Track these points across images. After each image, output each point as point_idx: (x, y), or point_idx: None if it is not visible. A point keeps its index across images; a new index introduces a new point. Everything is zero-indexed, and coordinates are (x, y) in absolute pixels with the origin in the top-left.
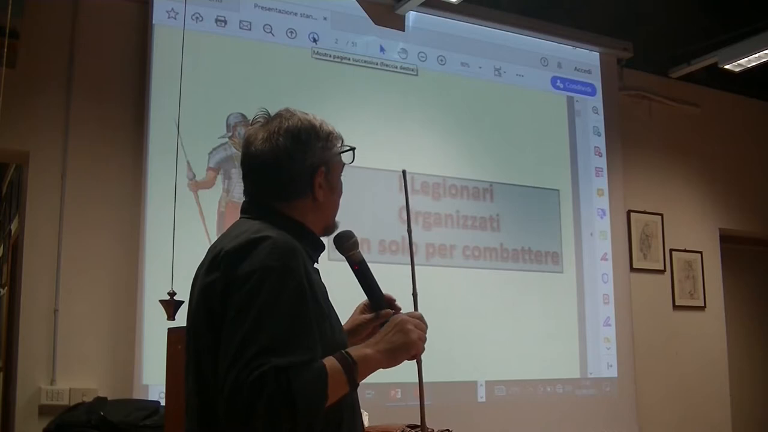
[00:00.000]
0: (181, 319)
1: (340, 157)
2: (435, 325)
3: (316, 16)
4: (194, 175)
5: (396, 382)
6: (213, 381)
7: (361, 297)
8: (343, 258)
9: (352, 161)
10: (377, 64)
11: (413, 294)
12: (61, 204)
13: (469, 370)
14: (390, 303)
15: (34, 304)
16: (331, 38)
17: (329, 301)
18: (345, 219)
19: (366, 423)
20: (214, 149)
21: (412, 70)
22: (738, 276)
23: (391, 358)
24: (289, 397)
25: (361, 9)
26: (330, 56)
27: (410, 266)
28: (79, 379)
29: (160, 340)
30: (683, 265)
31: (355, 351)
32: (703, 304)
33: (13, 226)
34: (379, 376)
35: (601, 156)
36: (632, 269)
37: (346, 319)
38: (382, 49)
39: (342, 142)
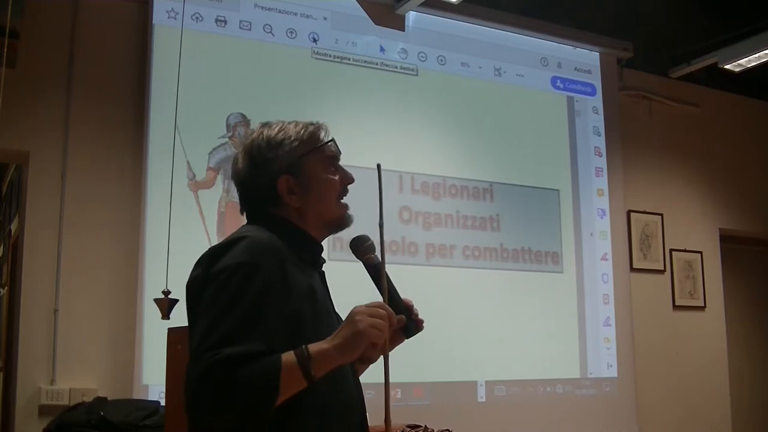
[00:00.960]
0: (182, 319)
1: (318, 153)
2: (435, 325)
3: (316, 16)
4: (194, 175)
5: (396, 383)
6: None
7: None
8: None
9: (340, 152)
10: (377, 64)
11: (381, 287)
12: (61, 204)
13: (469, 370)
14: (408, 308)
15: (34, 304)
16: (331, 38)
17: (319, 300)
18: None
19: None
20: (214, 149)
21: (412, 70)
22: (738, 276)
23: (344, 351)
24: (232, 386)
25: (361, 9)
26: (330, 56)
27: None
28: (79, 379)
29: (160, 340)
30: (683, 265)
31: (313, 346)
32: (703, 304)
33: (13, 226)
34: (379, 376)
35: (601, 156)
36: (632, 269)
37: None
38: (382, 49)
39: (322, 134)
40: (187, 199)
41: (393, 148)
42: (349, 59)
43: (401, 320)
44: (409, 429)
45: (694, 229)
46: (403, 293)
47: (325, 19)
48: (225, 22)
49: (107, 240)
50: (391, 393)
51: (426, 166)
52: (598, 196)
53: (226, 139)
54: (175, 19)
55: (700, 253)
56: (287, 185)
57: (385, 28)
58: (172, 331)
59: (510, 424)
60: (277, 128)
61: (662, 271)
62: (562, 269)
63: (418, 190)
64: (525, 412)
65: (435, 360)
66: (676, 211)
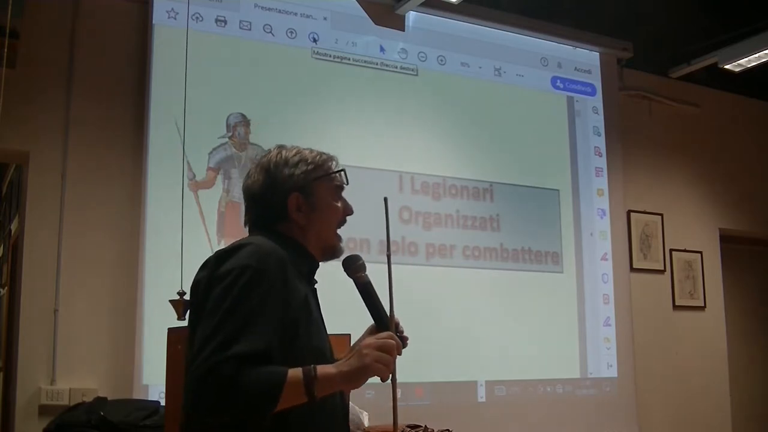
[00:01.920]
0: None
1: (328, 180)
2: (435, 325)
3: (316, 16)
4: (194, 175)
5: (397, 382)
6: None
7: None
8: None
9: (347, 183)
10: (377, 64)
11: (389, 299)
12: (61, 204)
13: (469, 370)
14: (395, 326)
15: (34, 304)
16: (331, 38)
17: (312, 310)
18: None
19: (366, 423)
20: (214, 149)
21: (412, 70)
22: (738, 276)
23: (349, 380)
24: (235, 388)
25: (361, 9)
26: (330, 56)
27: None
28: (79, 379)
29: (160, 340)
30: (683, 265)
31: (323, 368)
32: (703, 304)
33: (13, 226)
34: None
35: (601, 156)
36: (632, 269)
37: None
38: (382, 49)
39: (332, 165)
40: (187, 199)
41: (393, 148)
42: (349, 59)
43: (390, 337)
44: (409, 429)
45: (694, 229)
46: (404, 293)
47: (325, 19)
48: (225, 22)
49: (107, 240)
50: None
51: (426, 166)
52: (598, 196)
53: (226, 139)
54: (175, 19)
55: (700, 253)
56: (297, 202)
57: (385, 28)
58: (172, 331)
59: (510, 424)
60: (295, 151)
61: (662, 271)
62: (562, 269)
63: (418, 190)
64: (525, 412)
65: (435, 360)
66: (676, 211)
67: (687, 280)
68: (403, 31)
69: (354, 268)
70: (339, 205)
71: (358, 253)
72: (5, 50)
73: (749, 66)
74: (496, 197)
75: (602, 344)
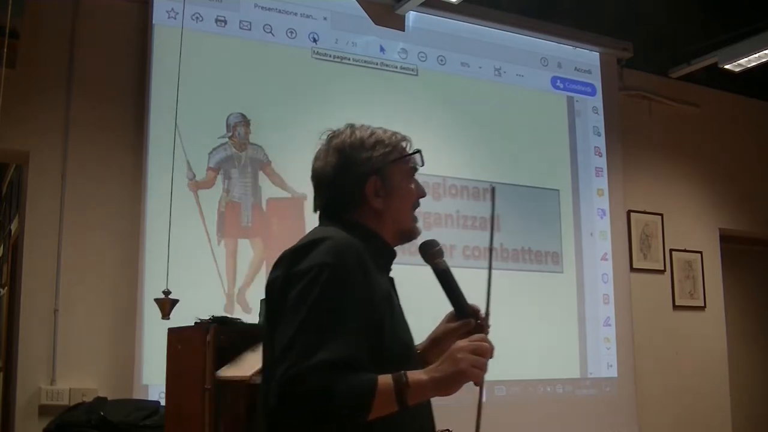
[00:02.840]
0: (182, 319)
1: (404, 162)
2: (435, 325)
3: (316, 16)
4: (194, 175)
5: None
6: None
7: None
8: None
9: (422, 164)
10: (377, 64)
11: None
12: (61, 204)
13: None
14: (474, 313)
15: (34, 304)
16: (331, 38)
17: (395, 303)
18: None
19: None
20: (214, 149)
21: (412, 70)
22: (738, 276)
23: (441, 387)
24: (326, 396)
25: (361, 9)
26: (330, 56)
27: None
28: (79, 379)
29: (160, 340)
30: (683, 265)
31: (413, 374)
32: (703, 304)
33: (13, 226)
34: None
35: (601, 156)
36: (632, 269)
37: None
38: (382, 49)
39: (406, 146)
40: (187, 199)
41: None
42: (349, 59)
43: (469, 324)
44: None
45: (694, 229)
46: (404, 293)
47: (325, 19)
48: (225, 22)
49: (107, 240)
50: None
51: (426, 166)
52: (598, 196)
53: (226, 139)
54: (175, 19)
55: (700, 253)
56: (375, 187)
57: (385, 28)
58: (172, 331)
59: (510, 424)
60: (369, 131)
61: (662, 271)
62: (562, 269)
63: None
64: (525, 412)
65: None
66: (676, 211)
67: (687, 280)
68: (403, 31)
69: (432, 253)
70: (413, 187)
71: (434, 238)
72: (5, 50)
73: (749, 66)
74: (496, 197)
75: (602, 344)
